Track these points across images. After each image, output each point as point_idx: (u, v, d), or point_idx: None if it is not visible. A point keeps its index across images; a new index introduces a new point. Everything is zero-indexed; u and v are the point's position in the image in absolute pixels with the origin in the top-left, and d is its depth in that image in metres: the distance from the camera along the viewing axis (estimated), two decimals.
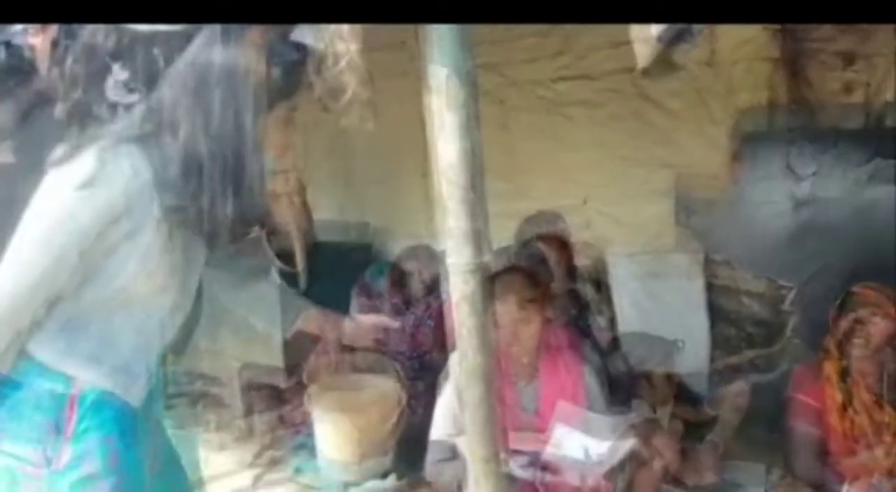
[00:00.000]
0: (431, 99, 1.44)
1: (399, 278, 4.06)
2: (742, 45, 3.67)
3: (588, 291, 3.83)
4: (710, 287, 3.95)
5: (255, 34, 1.49)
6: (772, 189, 3.72)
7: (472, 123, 1.41)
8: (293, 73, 1.52)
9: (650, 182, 3.99)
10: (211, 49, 1.47)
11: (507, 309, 2.33)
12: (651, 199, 4.00)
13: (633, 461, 2.43)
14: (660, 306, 3.97)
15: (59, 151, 1.48)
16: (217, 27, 1.52)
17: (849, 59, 3.53)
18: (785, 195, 3.69)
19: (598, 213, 4.17)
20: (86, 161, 1.42)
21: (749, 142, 3.74)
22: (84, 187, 1.40)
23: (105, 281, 1.48)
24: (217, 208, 1.45)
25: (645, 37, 1.17)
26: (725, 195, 3.82)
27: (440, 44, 1.41)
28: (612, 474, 2.27)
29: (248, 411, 4.08)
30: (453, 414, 2.35)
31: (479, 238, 1.44)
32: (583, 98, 4.12)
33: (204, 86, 1.45)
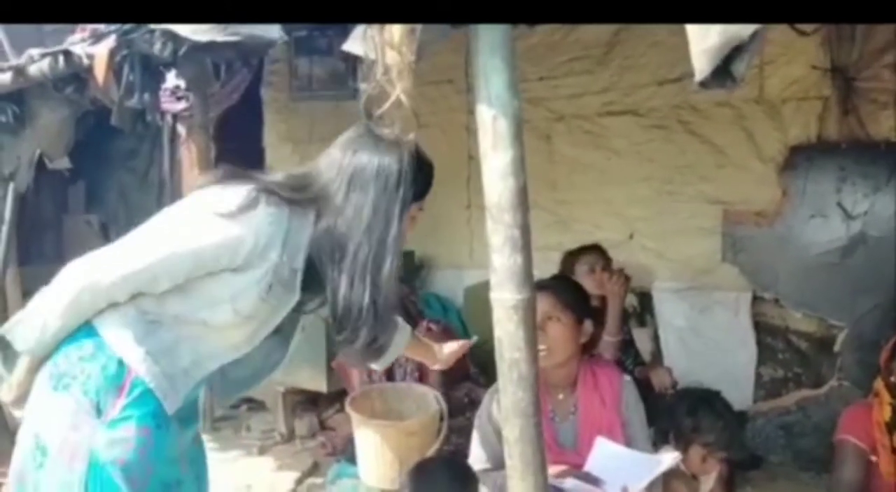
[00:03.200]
0: (478, 139, 1.46)
1: None
2: (791, 83, 3.66)
3: (631, 325, 3.81)
4: (757, 325, 3.89)
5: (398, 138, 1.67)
6: (822, 227, 3.68)
7: (518, 163, 1.43)
8: (428, 177, 1.73)
9: (697, 218, 3.98)
10: (367, 147, 1.65)
11: (539, 306, 2.28)
12: (698, 235, 3.98)
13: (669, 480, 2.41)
14: (705, 343, 3.93)
15: (210, 175, 1.67)
16: (367, 126, 1.70)
17: None
18: (836, 233, 3.64)
19: (643, 248, 4.16)
20: (237, 194, 1.55)
21: (799, 179, 3.71)
22: (225, 216, 1.54)
23: (193, 300, 1.59)
24: (354, 293, 1.59)
25: (703, 48, 1.17)
26: (774, 232, 3.78)
27: (487, 85, 1.43)
28: None
29: (290, 436, 4.13)
30: (491, 447, 2.35)
31: (522, 275, 1.45)
32: (629, 133, 4.14)
33: (360, 179, 1.62)
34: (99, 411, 1.52)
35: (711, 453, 2.64)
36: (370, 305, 1.59)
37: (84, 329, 1.57)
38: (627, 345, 3.46)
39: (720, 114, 3.86)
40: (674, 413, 2.71)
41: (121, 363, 1.54)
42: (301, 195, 1.62)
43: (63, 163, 4.33)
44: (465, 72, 4.25)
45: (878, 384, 2.80)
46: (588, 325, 2.43)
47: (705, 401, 2.72)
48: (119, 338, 1.55)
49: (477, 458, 2.44)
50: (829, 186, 3.63)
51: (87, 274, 1.55)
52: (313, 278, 1.64)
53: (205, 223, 1.54)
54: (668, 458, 2.28)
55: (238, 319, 1.60)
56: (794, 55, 3.61)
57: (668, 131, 4.01)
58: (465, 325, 4.62)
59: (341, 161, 1.64)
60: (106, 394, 1.52)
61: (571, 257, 3.48)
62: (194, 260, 1.54)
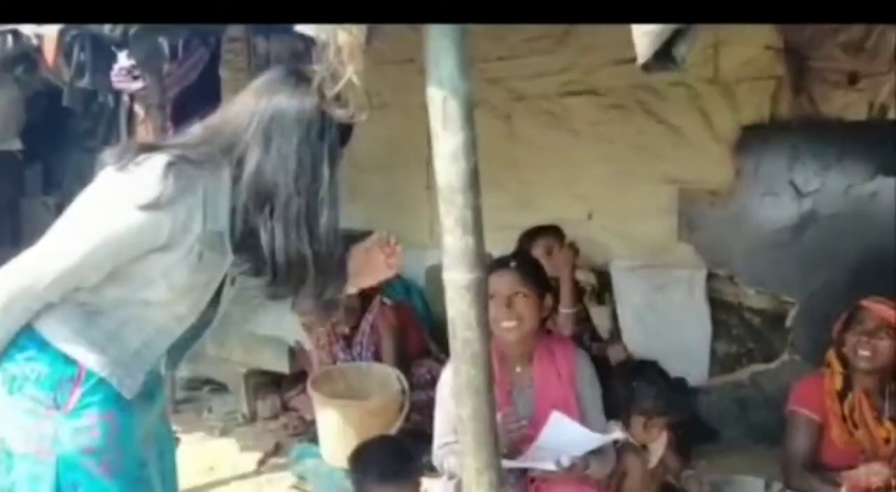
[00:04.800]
0: (430, 120, 1.47)
1: None
2: (746, 63, 3.71)
3: (590, 303, 3.87)
4: (712, 302, 3.96)
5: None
6: (774, 205, 3.75)
7: (469, 145, 1.45)
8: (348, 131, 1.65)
9: (654, 197, 4.02)
10: (285, 91, 1.56)
11: (504, 281, 2.38)
12: (654, 214, 4.03)
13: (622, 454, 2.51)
14: (662, 320, 3.99)
15: (120, 150, 1.53)
16: (285, 69, 1.62)
17: (853, 77, 3.56)
18: (788, 211, 3.72)
19: (601, 227, 4.20)
20: (151, 178, 1.46)
21: (752, 158, 3.78)
22: (146, 206, 1.45)
23: (127, 283, 1.54)
24: (291, 245, 1.54)
25: (644, 31, 1.19)
26: (728, 211, 3.85)
27: (438, 66, 1.44)
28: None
29: (253, 417, 4.13)
30: (452, 422, 2.39)
31: (474, 255, 1.47)
32: (588, 113, 4.16)
33: (280, 125, 1.54)
34: (57, 405, 1.50)
35: (651, 419, 2.73)
36: (311, 258, 1.55)
37: (24, 333, 1.54)
38: (585, 322, 3.51)
39: (676, 94, 3.90)
40: (615, 385, 2.80)
41: (68, 358, 1.52)
42: (214, 150, 1.55)
43: (15, 144, 4.25)
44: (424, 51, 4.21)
45: (830, 355, 2.89)
46: (548, 300, 2.54)
47: (639, 370, 2.83)
48: (60, 335, 1.53)
49: (440, 433, 2.48)
50: (781, 165, 3.71)
51: (14, 282, 1.50)
52: (244, 238, 1.58)
53: (119, 210, 1.47)
54: (615, 430, 2.36)
55: (174, 293, 1.56)
56: (747, 35, 3.65)
57: (626, 111, 4.04)
58: (427, 305, 4.64)
59: (255, 106, 1.56)
60: (61, 387, 1.51)
61: (528, 238, 3.51)
62: (116, 249, 1.49)
